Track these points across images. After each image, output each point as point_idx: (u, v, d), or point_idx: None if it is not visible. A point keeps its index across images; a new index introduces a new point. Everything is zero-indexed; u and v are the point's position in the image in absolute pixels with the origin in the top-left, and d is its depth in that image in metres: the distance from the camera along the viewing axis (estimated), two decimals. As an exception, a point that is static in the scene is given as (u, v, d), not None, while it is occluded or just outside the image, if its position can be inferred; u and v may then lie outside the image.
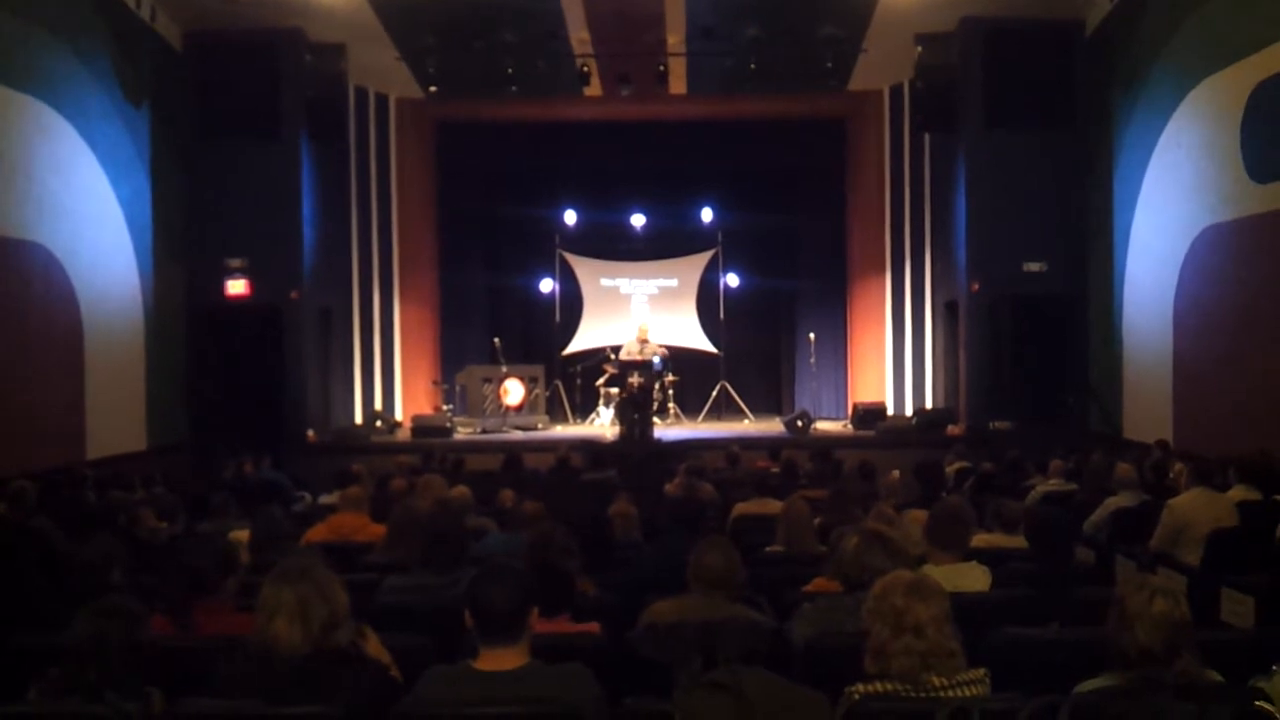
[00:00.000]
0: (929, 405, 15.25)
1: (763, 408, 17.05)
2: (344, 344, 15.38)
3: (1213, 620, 4.22)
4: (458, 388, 15.81)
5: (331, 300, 14.84)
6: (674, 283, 18.15)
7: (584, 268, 18.03)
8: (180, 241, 13.10)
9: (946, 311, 14.88)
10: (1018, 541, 5.18)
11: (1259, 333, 9.46)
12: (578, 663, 2.98)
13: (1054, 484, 7.87)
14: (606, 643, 3.57)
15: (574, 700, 2.81)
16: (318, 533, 6.03)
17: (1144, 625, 2.73)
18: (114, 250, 11.48)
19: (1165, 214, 11.26)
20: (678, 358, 16.71)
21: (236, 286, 13.43)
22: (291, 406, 13.36)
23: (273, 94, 13.39)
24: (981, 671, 2.74)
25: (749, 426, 15.69)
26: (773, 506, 6.59)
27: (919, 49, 13.74)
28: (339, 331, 15.17)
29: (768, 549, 5.44)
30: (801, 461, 9.98)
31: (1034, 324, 13.45)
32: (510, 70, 13.83)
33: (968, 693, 2.67)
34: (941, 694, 2.66)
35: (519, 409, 15.29)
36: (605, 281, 18.17)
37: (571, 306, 17.88)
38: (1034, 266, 13.40)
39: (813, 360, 16.33)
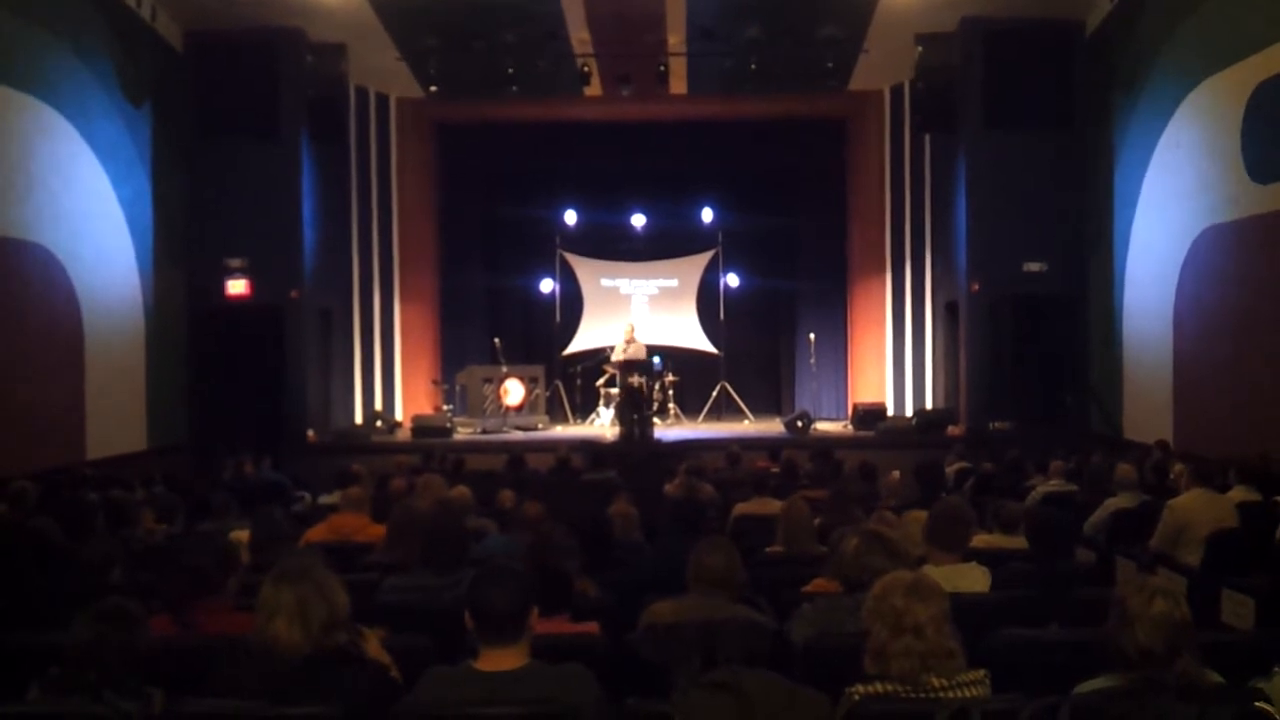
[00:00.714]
0: (929, 406, 15.25)
1: (763, 408, 17.05)
2: (344, 344, 15.38)
3: (1213, 621, 4.22)
4: (458, 388, 15.81)
5: (332, 300, 14.85)
6: (674, 283, 18.16)
7: (584, 268, 18.04)
8: (180, 241, 13.11)
9: (947, 312, 14.88)
10: (1018, 542, 5.17)
11: (1259, 333, 9.46)
12: (578, 663, 2.98)
13: (1054, 485, 7.87)
14: (607, 643, 3.57)
15: (574, 701, 2.81)
16: (318, 533, 6.03)
17: (1144, 626, 2.73)
18: (114, 250, 11.49)
19: (1165, 214, 11.26)
20: (678, 358, 16.73)
21: (237, 287, 13.43)
22: (292, 407, 13.36)
23: (273, 94, 13.40)
24: (981, 672, 2.74)
25: (749, 427, 15.69)
26: (773, 507, 6.58)
27: (919, 49, 13.75)
28: (339, 331, 15.17)
29: (768, 549, 5.43)
30: (801, 462, 9.97)
31: (1034, 324, 13.46)
32: (511, 70, 13.84)
33: (968, 693, 2.67)
34: (941, 695, 2.66)
35: (519, 409, 15.29)
36: (605, 282, 18.17)
37: (572, 307, 17.89)
38: (1034, 267, 13.41)
39: (813, 361, 16.33)
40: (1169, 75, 11.11)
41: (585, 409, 16.38)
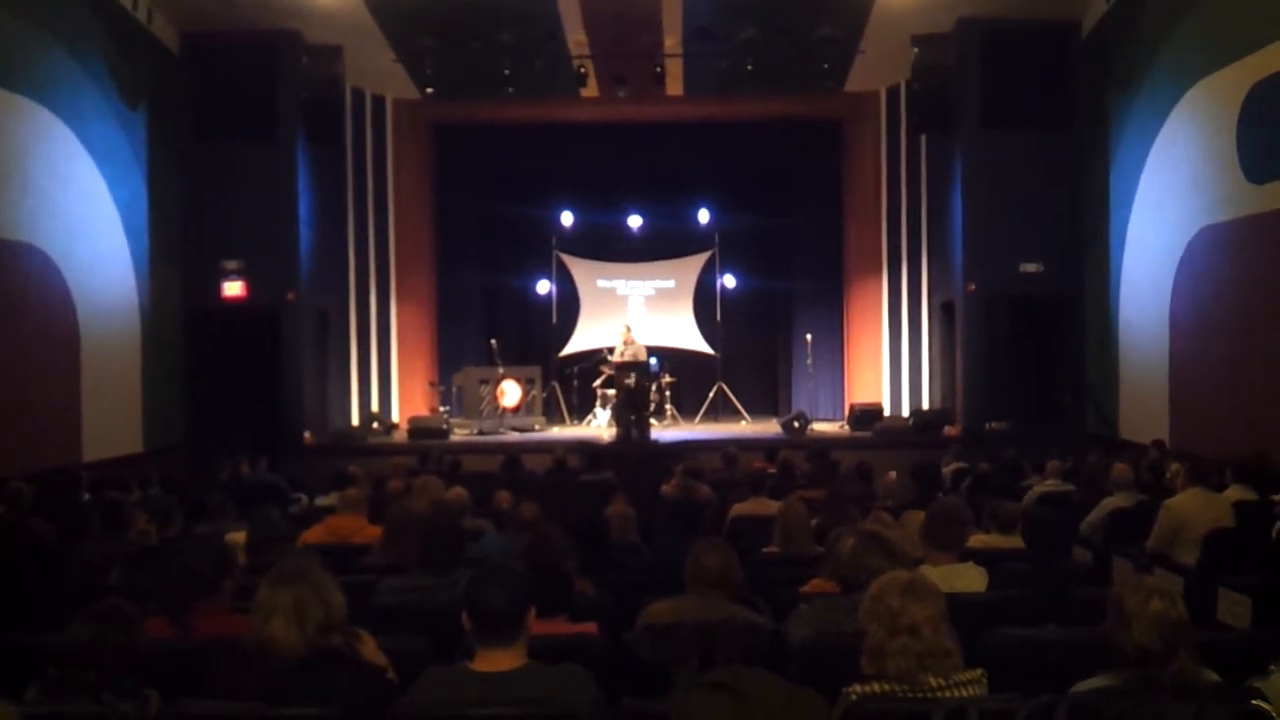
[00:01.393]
0: (926, 406, 15.27)
1: (759, 409, 17.05)
2: (341, 345, 15.37)
3: (1209, 620, 4.22)
4: (454, 389, 15.80)
5: (328, 302, 14.84)
6: (671, 284, 18.16)
7: (581, 269, 18.04)
8: (176, 243, 13.10)
9: (943, 312, 14.89)
10: (1014, 542, 5.18)
11: (1256, 333, 9.47)
12: (575, 664, 2.98)
13: (1051, 484, 7.87)
14: (604, 644, 3.58)
15: (571, 701, 2.81)
16: (315, 534, 6.03)
17: (1141, 625, 2.73)
18: (110, 252, 11.47)
19: (1162, 214, 11.27)
20: (675, 359, 16.73)
21: (233, 288, 13.42)
22: (288, 408, 13.35)
23: (269, 96, 13.38)
24: (979, 672, 2.75)
25: (746, 428, 15.69)
26: (770, 507, 6.59)
27: (915, 50, 13.75)
28: (336, 333, 15.16)
29: (765, 550, 5.44)
30: (798, 462, 9.98)
31: (1030, 324, 13.47)
32: (507, 71, 13.83)
33: (965, 693, 2.67)
34: (938, 694, 2.67)
35: (516, 410, 15.29)
36: (602, 283, 18.17)
37: (568, 308, 17.88)
38: (1030, 267, 13.42)
39: (809, 361, 16.34)
40: (1165, 75, 11.13)
41: (582, 410, 16.38)
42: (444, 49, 13.69)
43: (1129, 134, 12.06)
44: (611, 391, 14.66)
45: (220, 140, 13.30)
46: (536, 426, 15.42)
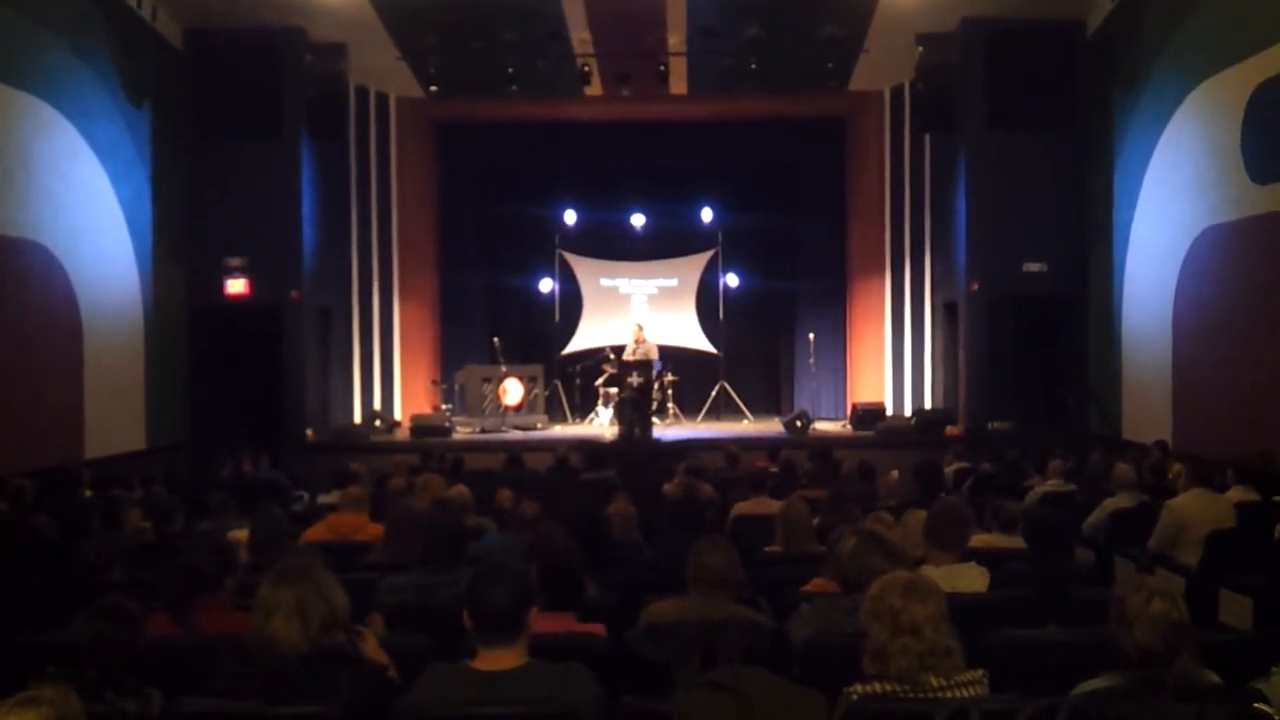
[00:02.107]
0: (928, 406, 15.25)
1: (762, 408, 17.05)
2: (343, 343, 15.37)
3: (1211, 621, 4.22)
4: (457, 387, 15.81)
5: (331, 299, 14.84)
6: (674, 283, 18.16)
7: (583, 267, 18.03)
8: (180, 241, 13.10)
9: (946, 312, 14.88)
10: (1016, 542, 5.18)
11: (1259, 334, 9.46)
12: (577, 662, 2.98)
13: (1053, 484, 7.87)
14: (606, 643, 3.58)
15: (572, 700, 2.82)
16: (316, 532, 6.04)
17: (1142, 626, 2.73)
18: (114, 249, 11.48)
19: (1166, 214, 11.25)
20: (677, 358, 16.73)
21: (236, 286, 13.42)
22: (290, 406, 13.35)
23: (273, 93, 13.37)
24: (980, 672, 2.75)
25: (748, 427, 15.68)
26: (772, 507, 6.59)
27: (920, 49, 13.74)
28: (338, 331, 15.16)
29: (767, 549, 5.44)
30: (800, 462, 9.97)
31: (1033, 324, 13.45)
32: (511, 70, 13.83)
33: (966, 693, 2.67)
34: (940, 694, 2.67)
35: (518, 409, 15.29)
36: (605, 281, 18.17)
37: (571, 306, 17.88)
38: (1034, 267, 13.40)
39: (812, 360, 16.33)
40: (1170, 75, 11.11)
41: (584, 408, 16.38)
42: (448, 47, 13.69)
43: (1133, 134, 12.04)
44: (614, 390, 14.66)
45: (224, 137, 13.30)
46: (539, 425, 15.42)
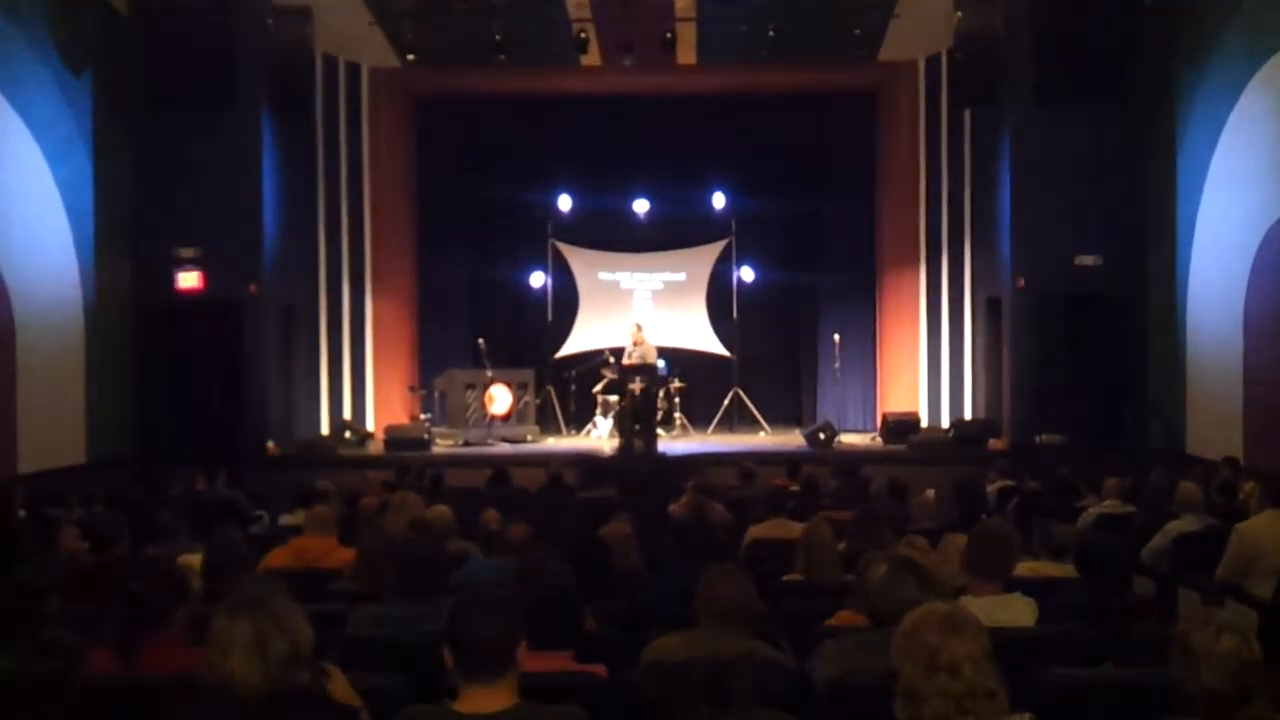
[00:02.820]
0: (968, 416, 15.25)
1: (780, 418, 17.06)
2: (309, 344, 15.39)
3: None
4: (437, 394, 15.81)
5: (295, 295, 14.87)
6: (681, 277, 18.17)
7: (580, 260, 18.05)
8: (125, 228, 13.11)
9: (989, 310, 14.88)
10: (1067, 570, 5.19)
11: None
12: (574, 704, 2.98)
13: (1108, 505, 7.87)
14: (605, 683, 3.58)
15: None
16: (278, 557, 6.04)
17: (1210, 666, 2.73)
18: (49, 237, 11.49)
19: (1236, 202, 11.25)
20: (685, 362, 16.73)
21: (188, 279, 13.43)
22: (250, 415, 13.36)
23: (230, 62, 13.34)
24: (1026, 716, 2.75)
25: (765, 440, 15.71)
26: (791, 530, 6.61)
27: (958, 14, 13.75)
28: (304, 330, 15.18)
29: (786, 578, 5.45)
30: (824, 479, 9.97)
31: (1087, 325, 13.46)
32: (498, 36, 13.84)
33: (1010, 740, 2.67)
34: (981, 742, 2.66)
35: (506, 418, 15.30)
36: (604, 275, 18.18)
37: (566, 303, 17.88)
38: (1087, 260, 13.40)
39: (837, 365, 16.32)
40: (1240, 44, 11.10)
41: (580, 419, 16.38)
42: (427, 11, 13.70)
43: (1199, 110, 12.03)
44: (614, 398, 14.67)
45: (174, 112, 13.30)
46: (529, 437, 15.44)
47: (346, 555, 5.71)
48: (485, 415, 15.08)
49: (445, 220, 17.56)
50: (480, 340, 15.58)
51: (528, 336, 17.73)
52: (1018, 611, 4.25)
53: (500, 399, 15.25)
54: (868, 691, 3.16)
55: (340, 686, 3.18)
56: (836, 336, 16.41)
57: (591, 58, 15.10)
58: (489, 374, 15.21)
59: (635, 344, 15.32)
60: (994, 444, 13.74)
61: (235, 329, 13.43)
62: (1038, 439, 13.19)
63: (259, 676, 2.91)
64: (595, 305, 18.01)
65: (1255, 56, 10.77)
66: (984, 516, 7.05)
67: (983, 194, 14.93)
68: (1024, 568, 5.12)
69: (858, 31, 14.06)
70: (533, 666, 3.08)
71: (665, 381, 15.32)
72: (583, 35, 14.38)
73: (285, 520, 8.28)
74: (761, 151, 17.72)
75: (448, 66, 15.45)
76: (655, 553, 6.52)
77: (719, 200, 17.57)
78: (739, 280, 17.60)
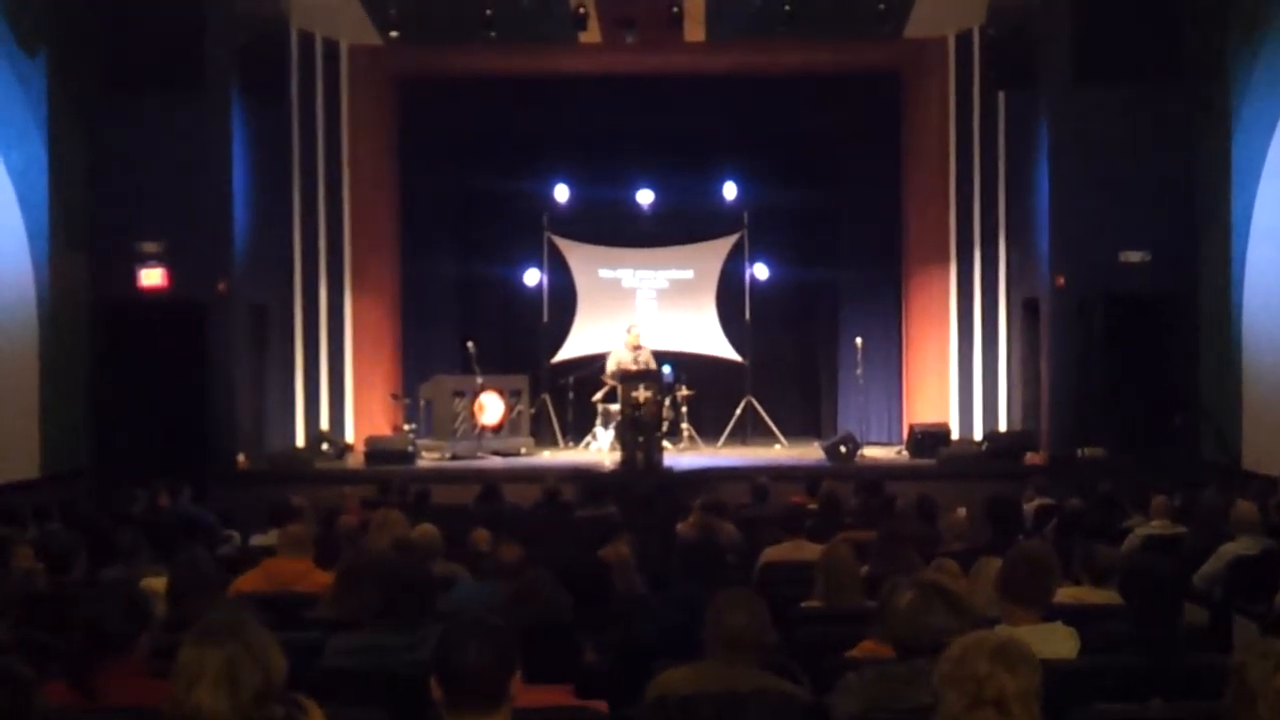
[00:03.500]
0: (1003, 428, 15.25)
1: (797, 430, 17.07)
2: (283, 348, 15.39)
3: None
4: (422, 403, 15.82)
5: (268, 294, 14.88)
6: (689, 274, 18.16)
7: (578, 255, 18.04)
8: (83, 221, 13.12)
9: (1025, 312, 14.88)
10: (1112, 597, 5.18)
11: None
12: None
13: (1156, 526, 7.87)
14: (606, 719, 3.58)
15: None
16: (249, 581, 6.04)
17: (1267, 701, 2.73)
18: (0, 231, 11.51)
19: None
20: (693, 367, 16.71)
21: (151, 277, 13.44)
22: (218, 425, 13.37)
23: (196, 41, 13.38)
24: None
25: (781, 453, 15.72)
26: (809, 552, 6.61)
27: (992, -13, 13.79)
28: (277, 333, 15.18)
29: (803, 604, 5.45)
30: (845, 496, 9.98)
31: (1133, 327, 13.44)
32: (489, 11, 13.86)
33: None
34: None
35: (497, 429, 15.30)
36: (604, 273, 18.18)
37: (563, 303, 17.88)
38: (1133, 256, 13.39)
39: (859, 371, 16.30)
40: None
41: (579, 430, 16.38)
42: (412, -16, 13.73)
43: (1255, 89, 12.02)
44: (615, 407, 14.66)
45: (136, 95, 13.34)
46: (523, 449, 15.46)
47: (323, 578, 5.71)
48: (475, 425, 15.08)
49: (431, 212, 17.55)
50: (469, 343, 15.54)
51: (521, 339, 17.74)
52: (1058, 642, 4.24)
53: (491, 408, 15.24)
54: (893, 728, 3.16)
55: (316, 721, 3.18)
56: (859, 340, 16.37)
57: (591, 35, 15.10)
58: (479, 380, 15.20)
59: (635, 348, 15.18)
60: (1031, 458, 13.73)
61: (202, 331, 13.43)
62: (1079, 453, 13.18)
63: (228, 711, 2.92)
64: (595, 305, 17.99)
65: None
66: (1020, 538, 7.05)
67: (1018, 184, 14.92)
68: (1064, 594, 5.12)
69: (882, 6, 14.05)
70: (528, 701, 3.08)
71: (671, 389, 15.30)
72: (581, 10, 14.37)
73: (257, 540, 8.30)
74: (776, 138, 17.71)
75: (434, 44, 15.46)
76: (660, 576, 6.52)
77: (730, 191, 17.56)
78: (752, 278, 17.59)
